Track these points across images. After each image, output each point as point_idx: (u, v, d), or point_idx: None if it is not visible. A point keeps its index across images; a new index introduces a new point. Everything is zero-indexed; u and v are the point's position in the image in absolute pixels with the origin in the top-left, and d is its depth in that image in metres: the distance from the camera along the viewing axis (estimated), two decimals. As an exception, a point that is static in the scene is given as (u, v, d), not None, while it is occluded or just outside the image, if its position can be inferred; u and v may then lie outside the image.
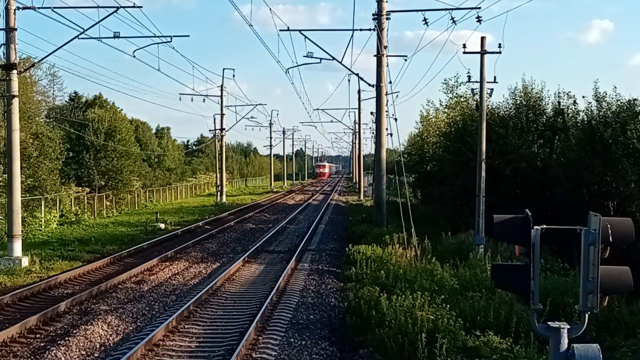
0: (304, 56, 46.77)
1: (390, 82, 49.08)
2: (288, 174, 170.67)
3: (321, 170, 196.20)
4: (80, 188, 68.30)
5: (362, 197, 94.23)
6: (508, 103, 47.30)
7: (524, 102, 45.94)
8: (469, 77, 40.64)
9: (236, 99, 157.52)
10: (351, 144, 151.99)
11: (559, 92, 45.10)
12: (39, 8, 35.09)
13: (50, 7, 35.37)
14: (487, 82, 39.35)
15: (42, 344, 19.58)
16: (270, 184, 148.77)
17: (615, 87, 38.92)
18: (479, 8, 40.93)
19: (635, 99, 39.89)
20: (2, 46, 34.51)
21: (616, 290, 7.42)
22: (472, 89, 41.94)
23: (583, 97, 40.53)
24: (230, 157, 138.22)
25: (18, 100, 35.94)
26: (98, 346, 19.56)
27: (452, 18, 42.07)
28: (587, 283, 7.18)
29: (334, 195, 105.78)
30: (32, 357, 18.24)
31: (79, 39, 36.95)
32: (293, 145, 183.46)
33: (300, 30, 46.38)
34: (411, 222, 37.21)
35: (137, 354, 18.04)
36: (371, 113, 62.27)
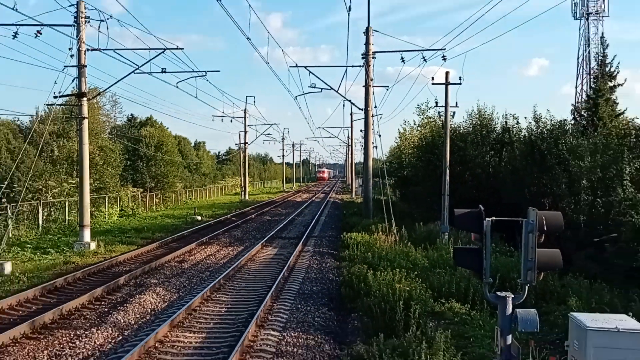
0: (309, 86, 46.74)
1: (376, 107, 49.42)
2: (296, 178, 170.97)
3: (321, 175, 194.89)
4: (135, 188, 68.38)
5: (353, 196, 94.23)
6: (467, 122, 47.36)
7: (478, 122, 45.95)
8: (436, 102, 40.63)
9: (256, 120, 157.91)
10: (345, 154, 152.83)
11: (505, 114, 45.31)
12: (103, 49, 35.12)
13: (112, 49, 35.39)
14: (450, 106, 39.39)
15: (105, 309, 19.61)
16: (282, 185, 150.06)
17: (549, 111, 39.04)
18: (444, 49, 41.32)
19: (564, 120, 39.99)
20: (75, 79, 34.53)
21: (549, 267, 7.38)
22: (439, 112, 42.18)
23: (525, 117, 40.93)
24: (251, 165, 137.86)
25: (87, 121, 36.12)
26: (149, 311, 19.59)
27: (423, 57, 42.38)
28: (527, 262, 7.16)
29: (332, 194, 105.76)
30: (98, 320, 18.23)
31: (134, 73, 36.97)
32: (300, 155, 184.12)
33: (305, 67, 46.45)
34: (391, 215, 37.16)
35: (179, 317, 18.08)
36: (360, 130, 62.30)
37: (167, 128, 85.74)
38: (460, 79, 39.49)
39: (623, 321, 9.52)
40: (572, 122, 40.25)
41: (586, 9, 71.52)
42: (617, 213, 28.39)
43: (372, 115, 48.05)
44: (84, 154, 35.71)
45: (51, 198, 46.92)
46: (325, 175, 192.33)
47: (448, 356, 13.64)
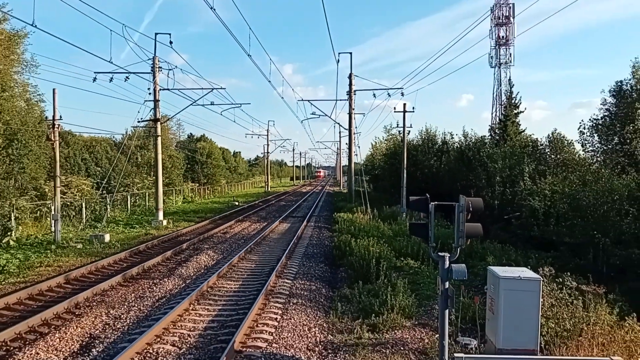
0: (311, 114, 47.34)
1: (356, 127, 49.39)
2: (302, 176, 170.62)
3: (318, 174, 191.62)
4: (193, 183, 68.47)
5: (341, 188, 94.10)
6: (418, 138, 47.36)
7: (426, 137, 45.99)
8: (397, 124, 41.38)
9: (275, 136, 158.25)
10: (335, 159, 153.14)
11: (444, 132, 45.57)
12: (171, 89, 35.26)
13: (177, 89, 35.65)
14: (407, 127, 39.51)
15: (173, 266, 19.65)
16: (293, 181, 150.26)
17: (473, 129, 39.44)
18: (402, 88, 41.63)
19: (484, 136, 40.14)
20: (152, 109, 34.58)
21: (474, 236, 7.40)
22: (399, 131, 42.09)
23: (457, 134, 40.96)
24: (272, 167, 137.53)
25: (160, 138, 36.12)
26: (203, 266, 19.63)
27: (388, 93, 42.66)
28: (458, 232, 7.17)
29: (327, 187, 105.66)
30: (168, 272, 18.28)
31: (192, 105, 37.09)
32: (305, 160, 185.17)
33: (308, 100, 46.84)
34: (367, 201, 37.21)
35: (223, 270, 18.11)
36: (346, 143, 61.91)
37: (215, 142, 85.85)
38: (413, 108, 39.84)
39: (523, 272, 9.56)
40: (489, 137, 40.30)
41: (498, 61, 71.58)
42: (520, 199, 28.45)
43: (354, 133, 48.12)
44: (158, 160, 35.80)
45: (136, 190, 47.04)
46: (321, 174, 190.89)
47: (405, 296, 13.67)
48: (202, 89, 36.77)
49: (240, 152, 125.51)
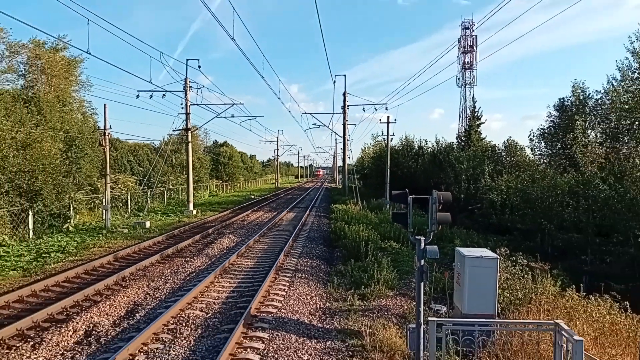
0: (313, 124, 47.35)
1: (349, 135, 49.42)
2: (305, 175, 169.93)
3: (317, 173, 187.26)
4: (217, 181, 68.32)
5: (337, 184, 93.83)
6: (399, 144, 47.34)
7: (405, 143, 45.97)
8: (382, 132, 40.94)
9: (283, 143, 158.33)
10: (332, 161, 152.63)
11: (420, 139, 45.69)
12: (199, 104, 35.26)
13: (204, 104, 35.72)
14: (390, 135, 39.51)
15: (201, 247, 19.60)
16: (297, 179, 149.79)
17: (443, 137, 39.28)
18: (386, 104, 42.14)
19: (452, 142, 40.10)
20: (184, 121, 34.47)
21: (444, 222, 7.37)
22: (383, 138, 42.07)
23: (431, 140, 40.83)
24: (281, 167, 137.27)
25: (191, 144, 35.97)
26: (225, 247, 19.58)
27: (375, 108, 42.55)
28: (432, 220, 7.16)
29: (325, 184, 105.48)
30: (197, 252, 18.24)
31: (216, 117, 36.93)
32: (307, 162, 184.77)
33: (311, 113, 46.61)
34: (357, 195, 37.25)
35: (242, 250, 18.07)
36: (341, 148, 61.91)
37: (235, 147, 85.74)
38: (395, 120, 40.53)
39: (484, 252, 9.55)
40: (457, 143, 40.27)
41: (464, 81, 71.39)
42: (481, 193, 28.48)
43: (347, 140, 48.04)
44: (189, 162, 35.67)
45: (171, 186, 46.95)
46: (320, 173, 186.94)
47: (389, 271, 13.67)
48: (224, 104, 37.11)
49: (255, 155, 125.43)
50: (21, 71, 30.86)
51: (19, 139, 23.30)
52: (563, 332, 6.53)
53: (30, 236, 21.52)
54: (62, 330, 9.44)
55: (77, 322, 9.93)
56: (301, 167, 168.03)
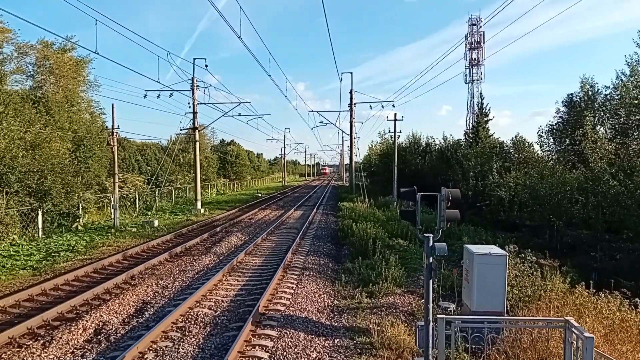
0: (320, 122, 47.38)
1: (356, 133, 49.29)
2: (312, 173, 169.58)
3: (323, 171, 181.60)
4: (224, 179, 68.44)
5: (344, 182, 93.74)
6: (406, 141, 47.16)
7: (413, 140, 45.83)
8: (389, 130, 40.87)
9: (290, 141, 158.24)
10: (339, 159, 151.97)
11: (427, 136, 45.70)
12: (206, 103, 35.33)
13: (211, 103, 35.77)
14: (397, 132, 39.42)
15: (209, 245, 19.67)
16: (305, 177, 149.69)
17: (451, 134, 39.07)
18: (393, 101, 42.05)
19: (460, 139, 39.92)
20: (191, 120, 34.52)
21: (452, 220, 7.33)
22: (391, 135, 41.91)
23: (438, 137, 40.80)
24: (288, 166, 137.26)
25: (198, 143, 36.07)
26: (233, 245, 19.65)
27: (382, 105, 42.54)
28: (440, 217, 7.13)
29: (332, 182, 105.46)
30: (205, 250, 18.32)
31: (224, 116, 36.99)
32: (314, 160, 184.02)
33: (317, 111, 46.99)
34: (365, 192, 37.20)
35: (249, 248, 18.14)
36: (348, 146, 61.94)
37: (242, 146, 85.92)
38: (402, 117, 39.91)
39: (493, 249, 9.51)
40: (464, 140, 40.05)
41: (472, 78, 71.12)
42: (489, 190, 28.32)
43: (354, 138, 48.03)
44: (196, 160, 35.77)
45: (179, 185, 47.11)
46: (327, 171, 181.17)
47: (397, 269, 13.65)
48: (231, 103, 37.26)
49: (262, 154, 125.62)
50: (30, 72, 31.12)
51: (28, 139, 23.48)
52: (573, 329, 6.48)
53: (40, 235, 21.68)
54: (72, 329, 9.51)
55: (87, 321, 9.99)
56: (308, 165, 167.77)
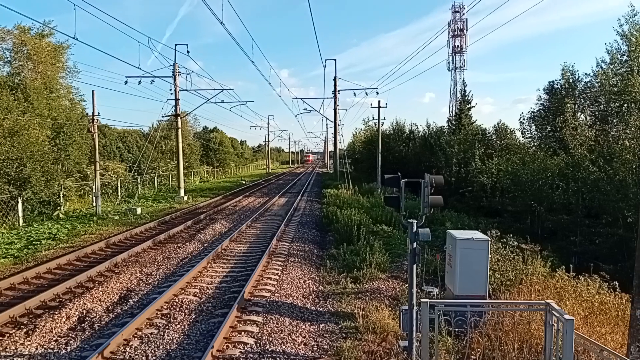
0: (304, 109, 47.24)
1: (340, 120, 49.22)
2: (296, 160, 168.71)
3: (307, 158, 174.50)
4: (208, 166, 67.95)
5: (328, 169, 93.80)
6: (390, 128, 47.41)
7: (396, 128, 46.07)
8: (373, 117, 40.74)
9: (274, 128, 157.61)
10: (323, 146, 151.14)
11: (411, 123, 45.69)
12: (189, 90, 34.86)
13: (193, 90, 35.28)
14: (381, 120, 39.49)
15: (193, 233, 19.57)
16: (290, 164, 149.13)
17: (434, 122, 39.33)
18: (377, 88, 41.63)
19: (442, 126, 40.21)
20: (173, 107, 34.12)
21: (435, 205, 7.39)
22: (374, 122, 42.07)
23: (422, 124, 40.95)
24: (272, 153, 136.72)
25: (180, 130, 35.73)
26: (217, 233, 19.58)
27: (366, 92, 42.01)
28: (424, 203, 7.18)
29: (316, 169, 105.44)
30: (189, 238, 18.22)
31: (206, 103, 36.63)
32: (298, 147, 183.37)
33: (301, 98, 46.50)
34: (349, 179, 37.28)
35: (234, 235, 18.09)
36: (332, 133, 61.91)
37: (225, 133, 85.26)
38: (386, 104, 39.94)
39: (475, 234, 9.64)
40: (447, 127, 40.27)
41: (454, 65, 71.38)
42: (472, 176, 28.62)
43: (338, 125, 47.91)
44: (179, 148, 35.42)
45: (161, 172, 46.68)
46: (310, 158, 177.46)
47: (381, 254, 13.76)
48: (214, 89, 36.77)
49: (246, 141, 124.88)
50: (7, 58, 30.41)
51: (6, 127, 23.02)
52: (554, 311, 6.61)
53: (20, 224, 21.36)
54: (56, 317, 9.43)
55: (70, 309, 9.92)
56: (292, 152, 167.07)
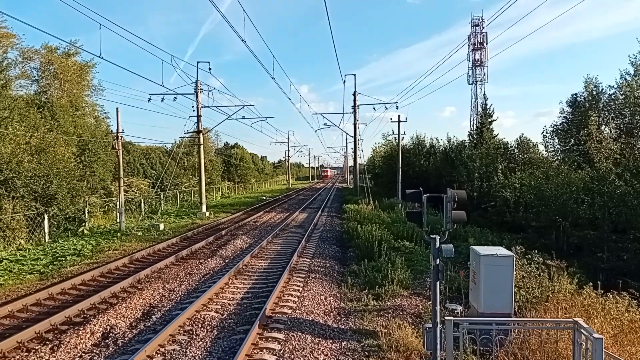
0: (323, 124, 47.21)
1: (360, 134, 49.26)
2: (316, 176, 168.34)
3: (325, 173, 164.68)
4: (229, 182, 68.44)
5: (348, 184, 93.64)
6: (410, 142, 47.19)
7: (417, 142, 45.85)
8: (393, 131, 40.62)
9: (294, 143, 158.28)
10: (343, 161, 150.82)
11: (431, 137, 45.71)
12: (210, 106, 35.31)
13: (215, 106, 35.75)
14: (401, 134, 39.38)
15: (214, 248, 19.66)
16: (310, 179, 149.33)
17: (455, 135, 38.99)
18: (397, 102, 41.93)
19: (464, 140, 39.86)
20: (195, 123, 34.58)
21: (459, 221, 7.31)
22: (395, 137, 41.94)
23: (442, 139, 40.59)
24: (292, 168, 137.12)
25: (202, 146, 36.17)
26: (238, 248, 19.63)
27: (385, 107, 42.41)
28: (447, 218, 7.12)
29: (336, 184, 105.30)
30: (211, 254, 18.30)
31: (228, 119, 37.13)
32: (318, 162, 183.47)
33: (321, 114, 46.70)
34: (369, 194, 37.10)
35: (255, 251, 18.11)
36: (351, 148, 61.88)
37: (246, 149, 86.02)
38: (406, 118, 40.06)
39: (499, 250, 9.49)
40: (469, 141, 39.98)
41: (475, 79, 71.11)
42: (494, 191, 28.27)
43: (358, 140, 48.01)
44: (201, 164, 35.85)
45: (183, 188, 47.17)
46: (329, 174, 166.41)
47: (403, 271, 13.62)
48: (235, 106, 37.22)
49: (266, 157, 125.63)
50: (34, 77, 31.33)
51: (33, 144, 23.57)
52: (582, 330, 6.46)
53: (46, 240, 21.76)
54: (80, 333, 9.53)
55: (95, 325, 10.02)
56: (312, 167, 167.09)
